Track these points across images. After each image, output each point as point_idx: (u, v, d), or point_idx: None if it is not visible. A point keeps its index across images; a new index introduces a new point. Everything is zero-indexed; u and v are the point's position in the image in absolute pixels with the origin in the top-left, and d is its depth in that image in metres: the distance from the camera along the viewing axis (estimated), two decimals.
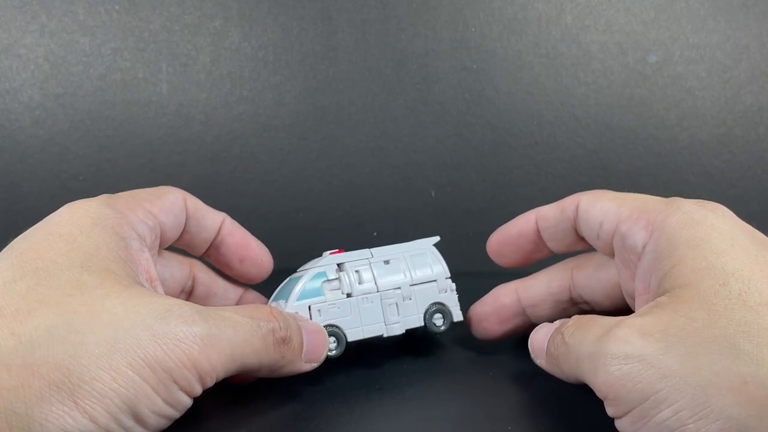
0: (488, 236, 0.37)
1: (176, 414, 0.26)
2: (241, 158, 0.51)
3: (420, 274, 0.36)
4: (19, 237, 0.29)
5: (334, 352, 0.34)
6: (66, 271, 0.26)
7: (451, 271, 0.37)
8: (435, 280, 0.37)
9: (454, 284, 0.37)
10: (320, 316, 0.34)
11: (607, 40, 0.51)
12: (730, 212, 0.29)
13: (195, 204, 0.35)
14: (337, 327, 0.34)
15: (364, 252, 0.36)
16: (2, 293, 0.25)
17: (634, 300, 0.31)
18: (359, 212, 0.51)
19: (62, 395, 0.23)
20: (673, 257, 0.27)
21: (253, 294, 0.39)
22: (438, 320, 0.37)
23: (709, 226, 0.28)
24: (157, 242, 0.33)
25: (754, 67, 0.51)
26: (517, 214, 0.37)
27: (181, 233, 0.35)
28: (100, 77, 0.51)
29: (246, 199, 0.51)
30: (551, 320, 0.32)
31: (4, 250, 0.28)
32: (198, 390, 0.27)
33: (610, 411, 0.26)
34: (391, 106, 0.51)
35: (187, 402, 0.26)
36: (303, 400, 0.34)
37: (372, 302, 0.35)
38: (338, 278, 0.35)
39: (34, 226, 0.29)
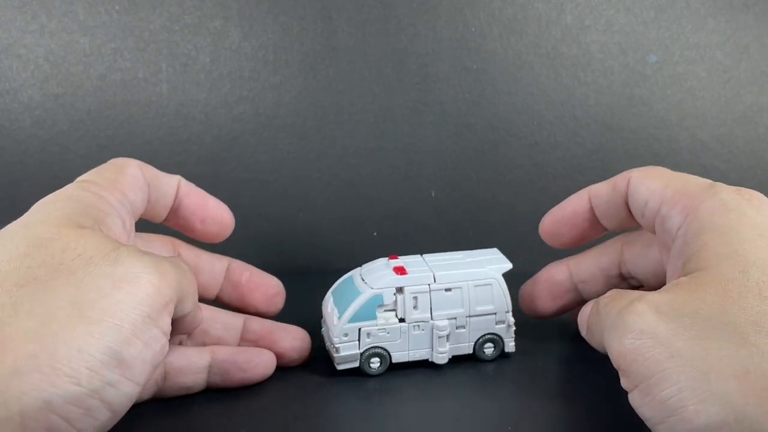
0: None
1: (158, 355, 0.26)
2: (241, 158, 0.51)
3: (479, 309, 0.35)
4: None
5: (376, 370, 0.35)
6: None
7: None
8: (494, 314, 0.36)
9: (513, 319, 0.36)
10: (368, 338, 0.34)
11: (607, 40, 0.51)
12: None
13: (151, 172, 0.33)
14: (383, 349, 0.34)
15: (427, 273, 0.35)
16: None
17: None
18: (359, 212, 0.51)
19: (38, 363, 0.22)
20: (699, 241, 0.27)
21: (237, 263, 0.38)
22: (488, 349, 0.36)
23: (740, 214, 0.28)
24: (134, 224, 0.32)
25: (754, 67, 0.51)
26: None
27: None
28: (100, 77, 0.51)
29: (246, 199, 0.51)
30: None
31: None
32: (168, 321, 0.26)
33: (623, 382, 0.27)
34: (391, 106, 0.51)
35: (164, 340, 0.26)
36: (302, 401, 0.34)
37: (423, 330, 0.35)
38: (395, 300, 0.34)
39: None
